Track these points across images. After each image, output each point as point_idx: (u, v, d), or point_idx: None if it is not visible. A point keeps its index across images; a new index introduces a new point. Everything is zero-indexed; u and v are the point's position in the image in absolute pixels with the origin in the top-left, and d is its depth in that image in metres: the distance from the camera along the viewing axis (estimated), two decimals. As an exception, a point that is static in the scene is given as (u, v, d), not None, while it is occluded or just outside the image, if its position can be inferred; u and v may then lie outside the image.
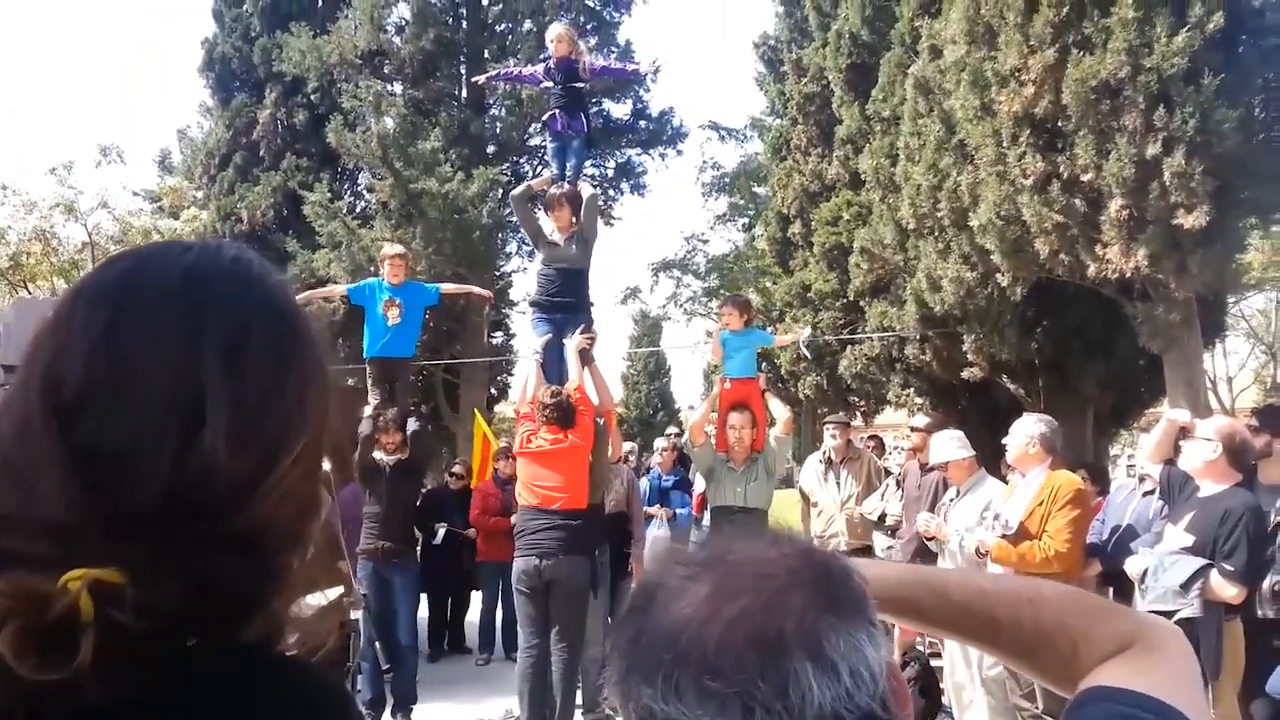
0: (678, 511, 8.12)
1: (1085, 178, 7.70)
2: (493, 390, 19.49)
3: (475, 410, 12.02)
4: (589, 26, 17.19)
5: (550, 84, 6.80)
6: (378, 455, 6.46)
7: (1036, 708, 4.86)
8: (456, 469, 9.43)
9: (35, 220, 20.85)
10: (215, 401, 0.68)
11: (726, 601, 0.65)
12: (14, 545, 0.63)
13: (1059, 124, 7.92)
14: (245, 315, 0.72)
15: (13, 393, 0.69)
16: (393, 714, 6.38)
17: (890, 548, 7.11)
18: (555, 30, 6.93)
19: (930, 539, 5.64)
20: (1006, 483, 5.74)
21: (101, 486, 0.65)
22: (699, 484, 9.06)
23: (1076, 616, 0.90)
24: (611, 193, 18.79)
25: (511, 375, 20.75)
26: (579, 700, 5.88)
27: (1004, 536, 4.92)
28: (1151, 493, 5.33)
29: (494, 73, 8.56)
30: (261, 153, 17.55)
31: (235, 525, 0.68)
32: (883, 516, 7.16)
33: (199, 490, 0.66)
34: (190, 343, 0.69)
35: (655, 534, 7.63)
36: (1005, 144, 8.21)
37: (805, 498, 8.15)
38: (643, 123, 18.73)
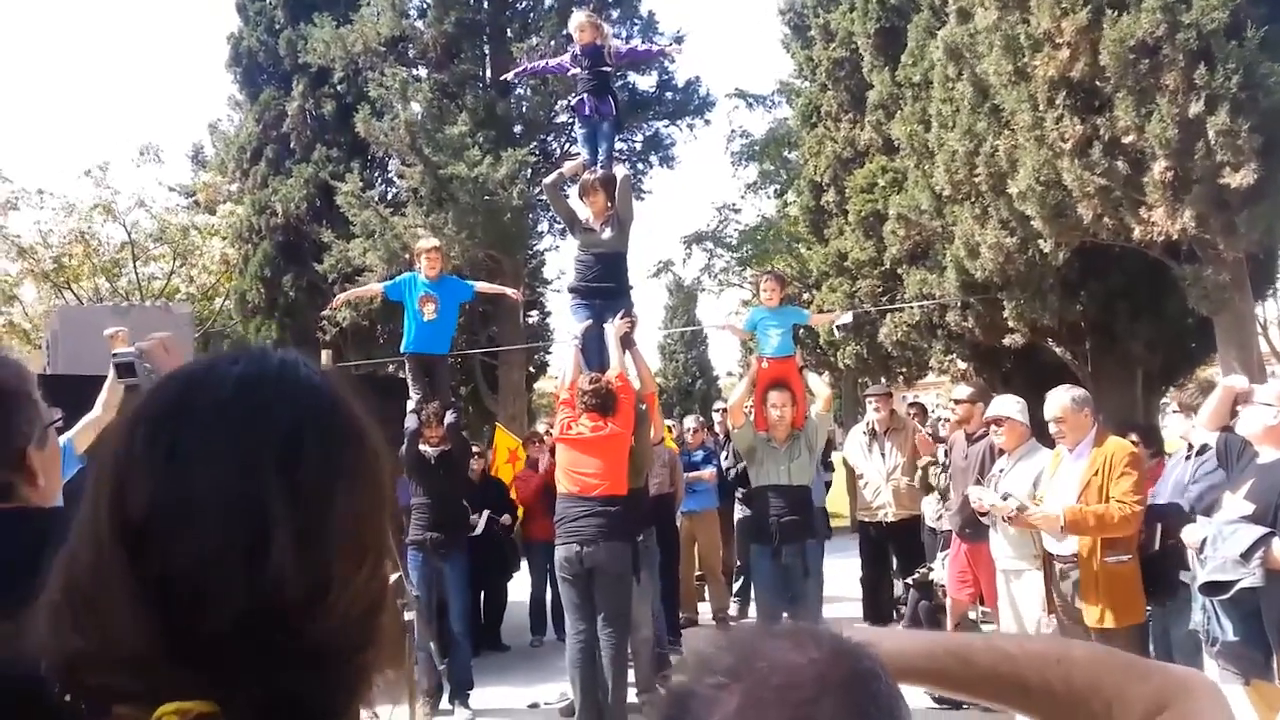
0: (696, 490, 8.68)
1: (1127, 140, 7.53)
2: (531, 369, 19.57)
3: (498, 425, 12.00)
4: (610, 0, 17.03)
5: (577, 70, 6.77)
6: (423, 448, 6.54)
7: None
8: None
9: (74, 222, 21.19)
10: (277, 516, 0.67)
11: (753, 715, 0.65)
12: (101, 681, 0.64)
13: (1097, 85, 7.73)
14: (297, 422, 0.72)
15: (83, 520, 0.69)
16: (450, 700, 6.51)
17: (940, 517, 7.09)
18: (578, 19, 6.89)
19: (984, 513, 5.60)
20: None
21: (177, 613, 0.64)
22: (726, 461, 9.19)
23: (1109, 676, 0.88)
24: (641, 166, 18.68)
25: (549, 353, 20.84)
26: (631, 680, 5.92)
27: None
28: (1195, 454, 5.21)
29: (521, 68, 8.51)
30: (292, 144, 17.64)
31: (310, 637, 0.67)
32: (944, 492, 7.07)
33: (272, 607, 0.66)
34: (248, 457, 0.68)
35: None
36: (1042, 108, 8.04)
37: (850, 469, 8.15)
38: (669, 94, 18.56)
